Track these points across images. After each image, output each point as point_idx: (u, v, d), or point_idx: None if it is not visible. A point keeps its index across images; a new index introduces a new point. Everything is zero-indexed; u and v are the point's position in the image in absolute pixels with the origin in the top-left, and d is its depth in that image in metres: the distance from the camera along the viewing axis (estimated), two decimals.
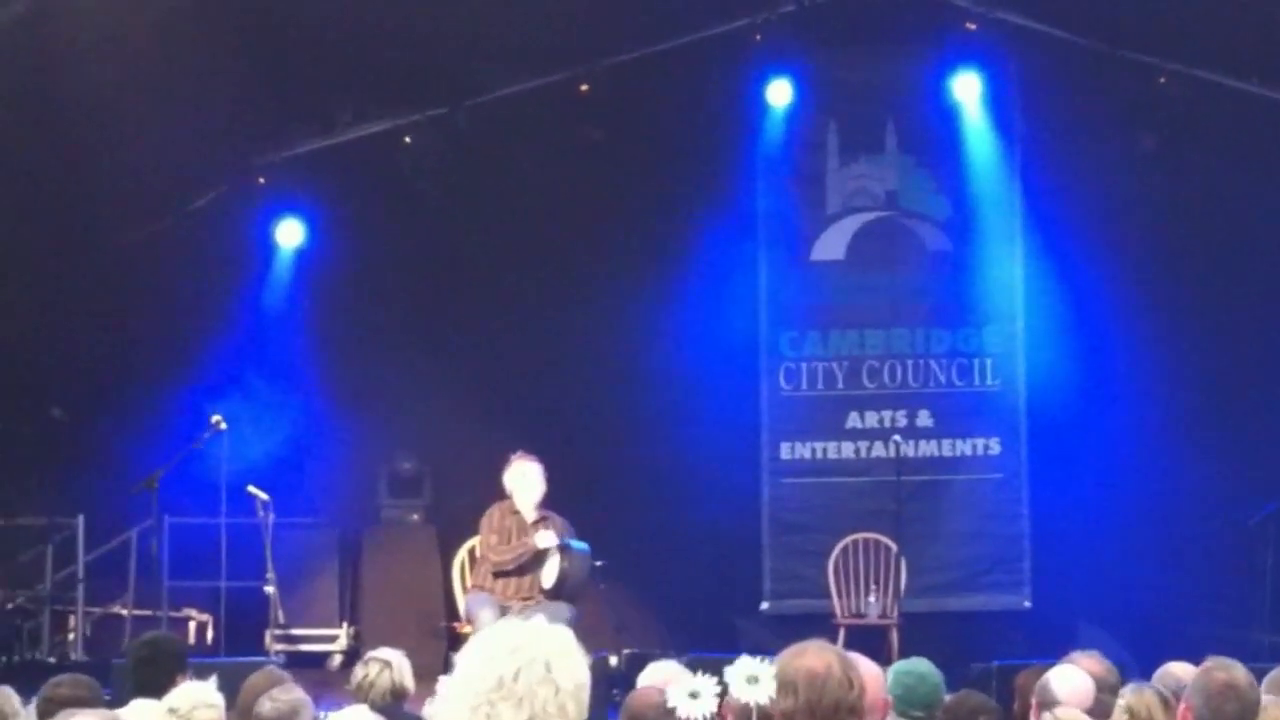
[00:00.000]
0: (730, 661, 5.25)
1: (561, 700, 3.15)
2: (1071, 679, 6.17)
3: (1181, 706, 5.01)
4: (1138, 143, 13.53)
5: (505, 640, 3.22)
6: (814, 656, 4.27)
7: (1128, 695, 6.04)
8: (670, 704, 5.15)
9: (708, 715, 4.84)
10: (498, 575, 11.19)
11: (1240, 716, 4.91)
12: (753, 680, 4.97)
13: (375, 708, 6.40)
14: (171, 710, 5.57)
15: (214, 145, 13.00)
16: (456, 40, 12.44)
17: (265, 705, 5.97)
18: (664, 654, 9.46)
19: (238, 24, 11.67)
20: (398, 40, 12.22)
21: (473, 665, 3.19)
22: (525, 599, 11.07)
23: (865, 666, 4.48)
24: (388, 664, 7.21)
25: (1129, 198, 13.57)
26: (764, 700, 5.01)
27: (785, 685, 4.25)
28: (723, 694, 4.79)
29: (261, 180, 13.77)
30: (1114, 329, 13.59)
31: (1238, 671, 5.02)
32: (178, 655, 7.35)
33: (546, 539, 11.09)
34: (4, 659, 12.54)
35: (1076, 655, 6.77)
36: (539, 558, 11.12)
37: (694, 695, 4.81)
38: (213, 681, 5.92)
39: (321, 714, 6.43)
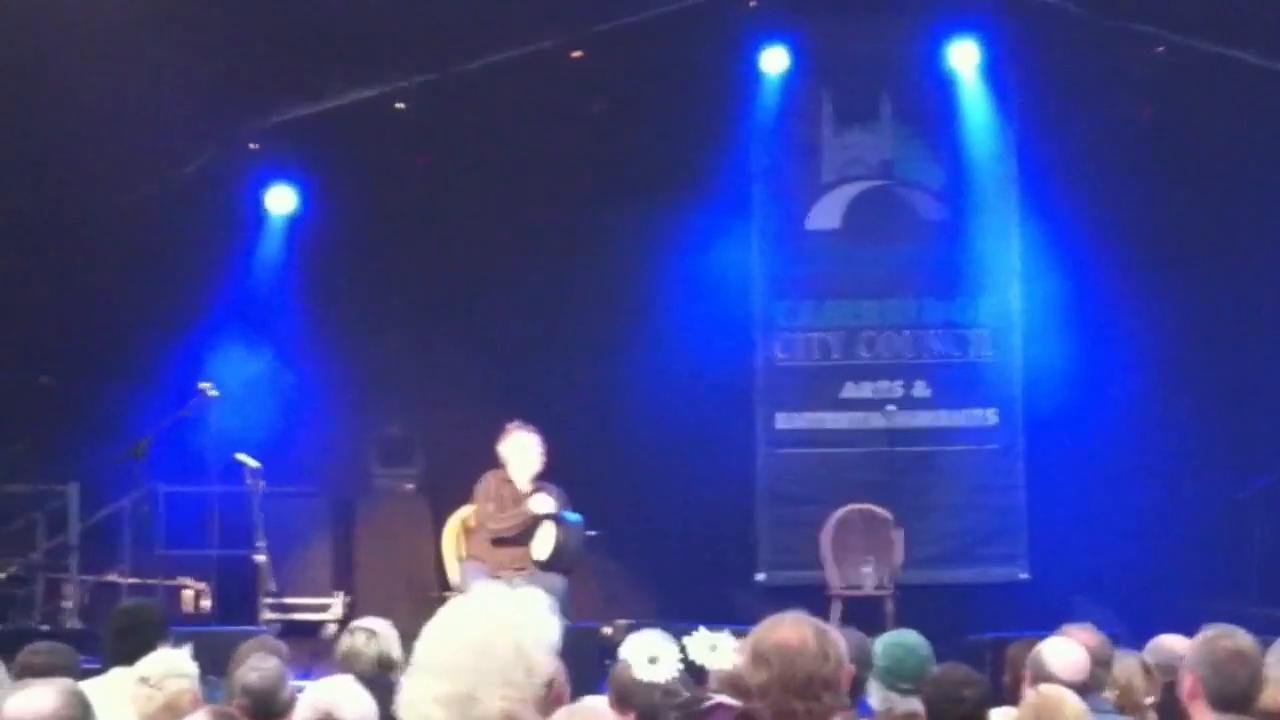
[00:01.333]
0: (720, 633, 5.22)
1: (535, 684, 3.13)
2: (1065, 651, 6.09)
3: (1188, 679, 4.86)
4: (1135, 112, 13.47)
5: (476, 628, 3.16)
6: (789, 629, 4.22)
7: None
8: (629, 667, 5.10)
9: (669, 679, 4.79)
10: (495, 543, 11.13)
11: (1250, 683, 4.78)
12: (713, 648, 4.94)
13: (362, 678, 6.33)
14: (142, 679, 5.51)
15: (206, 110, 12.93)
16: (448, 5, 12.35)
17: (251, 675, 5.93)
18: (656, 624, 9.41)
19: None
20: (389, 4, 12.13)
21: (447, 650, 3.14)
22: (519, 569, 11.02)
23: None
24: (374, 634, 7.15)
25: (1126, 167, 13.51)
26: (726, 666, 4.98)
27: (759, 658, 4.20)
28: (685, 660, 4.75)
29: (253, 146, 13.72)
30: (1111, 299, 13.55)
31: (1242, 638, 4.88)
32: (157, 624, 7.25)
33: (543, 504, 11.04)
34: None
35: (1070, 628, 6.70)
36: (535, 524, 11.07)
37: (653, 660, 4.77)
38: (187, 650, 5.86)
39: (307, 683, 6.36)
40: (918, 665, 6.32)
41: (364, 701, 5.41)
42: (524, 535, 11.11)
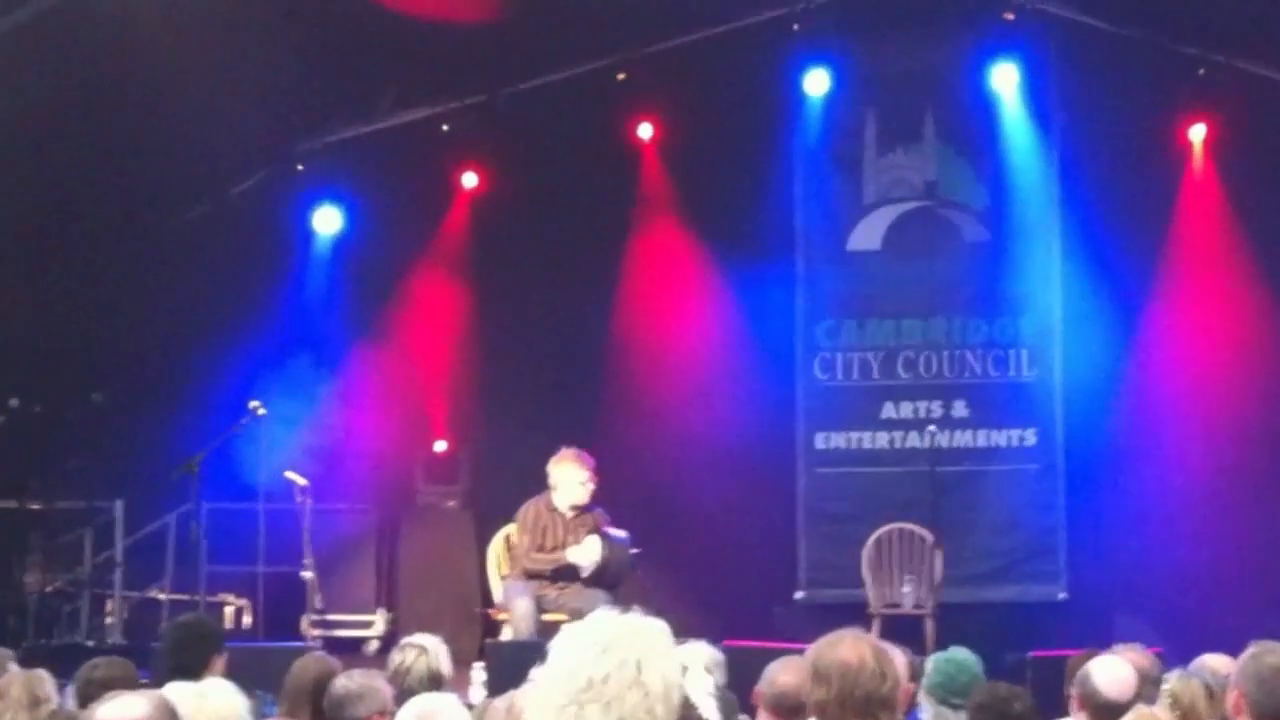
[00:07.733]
0: (763, 650, 5.23)
1: (650, 704, 3.13)
2: (1114, 669, 6.08)
3: (1233, 694, 4.90)
4: (1176, 134, 13.49)
5: (597, 637, 3.18)
6: (848, 648, 4.25)
7: (1172, 682, 5.97)
8: None
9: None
10: (530, 576, 11.11)
11: None
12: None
13: (410, 694, 6.39)
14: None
15: (254, 131, 13.06)
16: (496, 27, 12.45)
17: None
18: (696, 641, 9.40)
19: (279, 11, 11.74)
20: (437, 26, 12.23)
21: (564, 662, 3.16)
22: (562, 587, 11.02)
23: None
24: (424, 650, 7.18)
25: (1167, 189, 13.53)
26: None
27: (819, 675, 4.24)
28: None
29: (300, 167, 13.84)
30: (1151, 319, 13.56)
31: None
32: (213, 637, 7.35)
33: (581, 554, 10.98)
34: (43, 641, 12.60)
35: (1119, 647, 6.69)
36: (569, 568, 11.03)
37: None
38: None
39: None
40: (970, 682, 6.36)
41: (463, 716, 5.46)
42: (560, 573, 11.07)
